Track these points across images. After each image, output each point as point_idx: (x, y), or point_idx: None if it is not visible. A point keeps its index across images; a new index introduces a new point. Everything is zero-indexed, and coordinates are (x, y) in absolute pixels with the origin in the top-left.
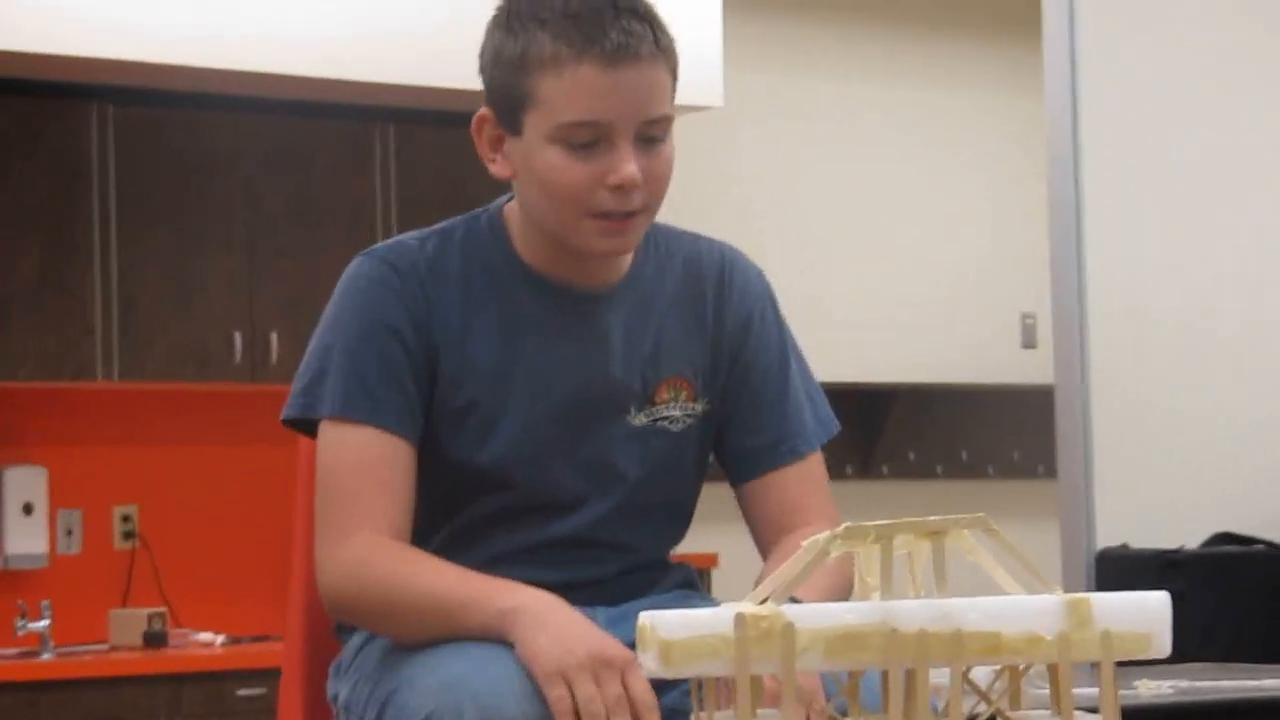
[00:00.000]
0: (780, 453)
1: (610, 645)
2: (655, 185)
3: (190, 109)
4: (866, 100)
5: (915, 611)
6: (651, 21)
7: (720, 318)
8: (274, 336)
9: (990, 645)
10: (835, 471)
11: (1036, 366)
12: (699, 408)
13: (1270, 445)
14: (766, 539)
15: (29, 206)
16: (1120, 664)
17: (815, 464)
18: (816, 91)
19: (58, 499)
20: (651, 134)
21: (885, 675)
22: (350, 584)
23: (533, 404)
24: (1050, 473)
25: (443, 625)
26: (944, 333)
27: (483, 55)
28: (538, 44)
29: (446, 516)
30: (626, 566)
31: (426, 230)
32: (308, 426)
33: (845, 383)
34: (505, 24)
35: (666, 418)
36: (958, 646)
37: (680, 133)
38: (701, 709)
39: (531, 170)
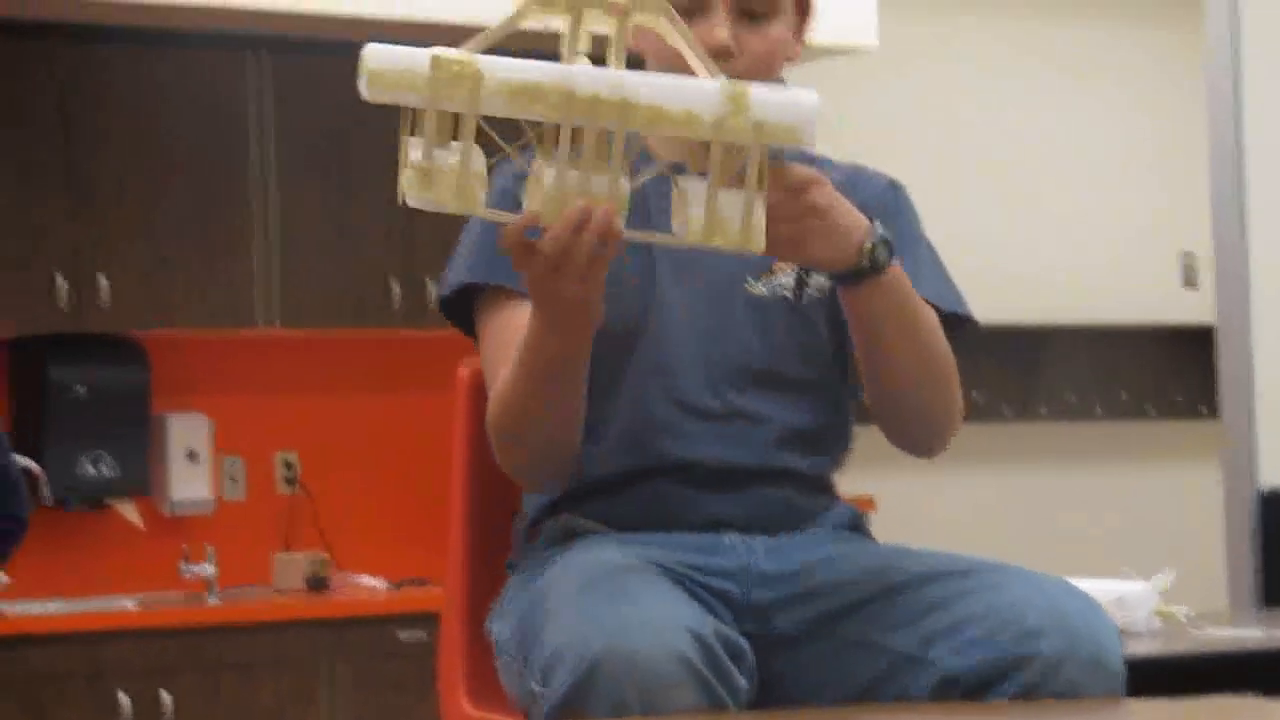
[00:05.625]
0: None
1: None
2: (755, 60)
3: (346, 57)
4: (1023, 39)
5: (594, 78)
6: None
7: None
8: (429, 282)
9: (653, 117)
10: (993, 414)
11: (1198, 305)
12: (822, 281)
13: None
14: None
15: (186, 157)
16: None
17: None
18: (972, 31)
19: (221, 446)
20: (752, 8)
21: (559, 130)
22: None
23: (665, 278)
24: (1213, 413)
25: (531, 374)
26: (1103, 272)
27: None
28: None
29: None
30: (780, 468)
31: None
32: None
33: (1003, 323)
34: None
35: (786, 285)
36: (624, 113)
37: (835, 74)
38: (410, 135)
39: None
